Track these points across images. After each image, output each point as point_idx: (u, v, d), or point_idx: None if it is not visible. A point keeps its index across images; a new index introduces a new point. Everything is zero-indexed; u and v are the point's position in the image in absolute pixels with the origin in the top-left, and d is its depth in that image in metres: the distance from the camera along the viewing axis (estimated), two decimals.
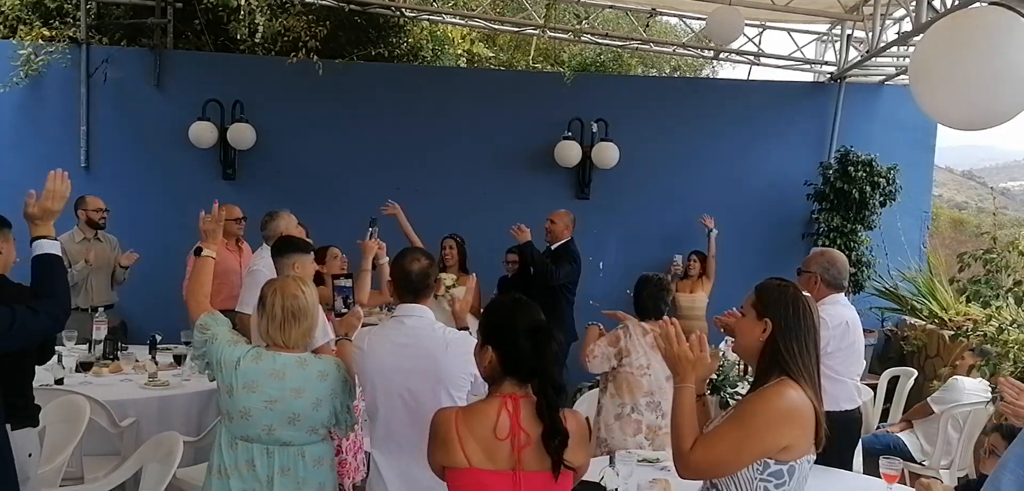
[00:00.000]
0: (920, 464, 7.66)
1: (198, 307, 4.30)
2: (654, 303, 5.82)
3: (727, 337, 7.70)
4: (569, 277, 8.88)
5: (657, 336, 3.42)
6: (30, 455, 4.52)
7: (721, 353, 7.73)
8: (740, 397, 6.66)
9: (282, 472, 4.00)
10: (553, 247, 9.11)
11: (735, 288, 8.57)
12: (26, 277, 4.23)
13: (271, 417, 3.96)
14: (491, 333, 3.38)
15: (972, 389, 7.71)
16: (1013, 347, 7.26)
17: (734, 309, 4.54)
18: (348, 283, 5.32)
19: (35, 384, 4.73)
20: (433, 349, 4.06)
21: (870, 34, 10.04)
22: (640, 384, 5.63)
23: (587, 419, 3.60)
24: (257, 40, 11.11)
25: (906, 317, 11.05)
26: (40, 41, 11.10)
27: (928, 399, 7.74)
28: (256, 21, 10.75)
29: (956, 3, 7.91)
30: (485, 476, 3.20)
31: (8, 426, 4.28)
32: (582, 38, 12.58)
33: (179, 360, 7.04)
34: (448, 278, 8.66)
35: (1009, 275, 7.46)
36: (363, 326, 4.65)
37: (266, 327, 4.07)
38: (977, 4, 7.20)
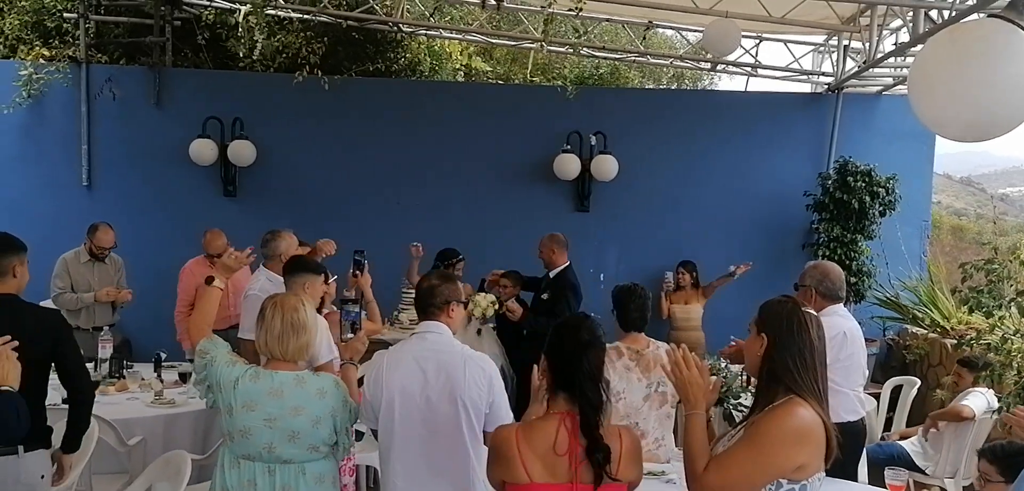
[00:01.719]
0: (923, 472, 7.68)
1: (198, 334, 4.38)
2: (641, 314, 5.71)
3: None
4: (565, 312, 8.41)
5: (666, 365, 3.45)
6: (42, 476, 4.55)
7: (722, 367, 7.73)
8: (744, 408, 6.69)
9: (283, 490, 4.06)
10: (552, 275, 8.88)
11: (735, 299, 8.61)
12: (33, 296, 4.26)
13: (271, 435, 4.02)
14: (547, 346, 3.55)
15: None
16: (1016, 357, 7.26)
17: (733, 339, 4.59)
18: (356, 308, 5.35)
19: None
20: (451, 364, 4.12)
21: (867, 45, 10.06)
22: (616, 409, 5.54)
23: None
24: (255, 57, 11.12)
25: (908, 326, 11.07)
26: (40, 61, 11.15)
27: (961, 403, 7.50)
28: (255, 38, 10.76)
29: (953, 14, 7.93)
30: (546, 490, 3.31)
31: (21, 448, 4.33)
32: (580, 51, 12.59)
33: (184, 378, 7.06)
34: (483, 301, 8.51)
35: (1011, 285, 7.46)
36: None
37: (264, 339, 4.14)
38: (975, 16, 7.24)
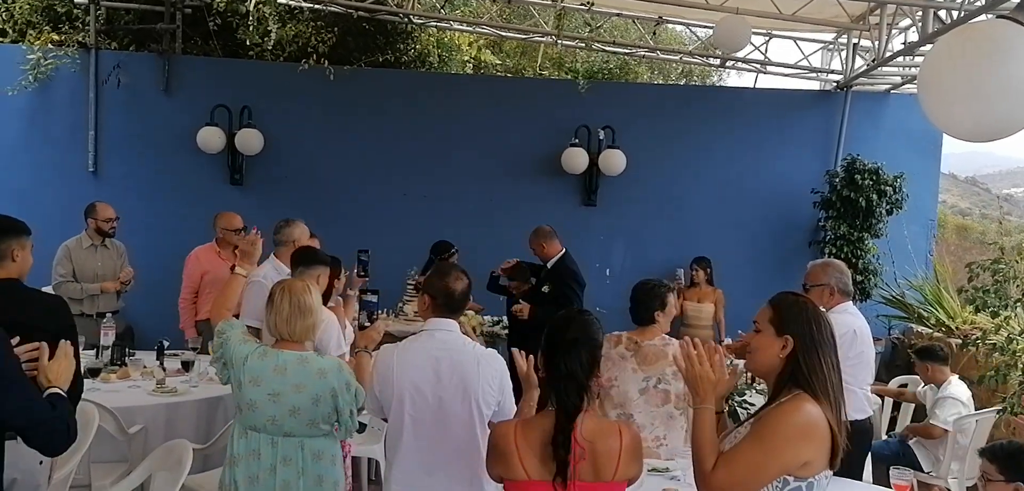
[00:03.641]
0: (928, 472, 7.67)
1: (218, 317, 4.75)
2: (644, 307, 5.70)
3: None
4: (570, 301, 8.29)
5: (677, 356, 3.41)
6: (41, 462, 4.49)
7: (729, 363, 7.71)
8: (749, 406, 6.68)
9: (284, 462, 4.29)
10: (549, 265, 8.72)
11: (742, 295, 8.57)
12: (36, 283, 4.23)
13: (274, 409, 4.26)
14: (542, 342, 3.55)
15: (967, 397, 7.78)
16: (1021, 357, 7.26)
17: (741, 333, 4.56)
18: (375, 298, 5.40)
19: None
20: (465, 363, 4.11)
21: (876, 43, 10.06)
22: (609, 396, 5.55)
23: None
24: (271, 46, 11.13)
25: (913, 325, 11.04)
26: (49, 46, 11.16)
27: (931, 421, 7.71)
28: (269, 28, 10.77)
29: (962, 15, 7.91)
30: (542, 487, 3.31)
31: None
32: (592, 46, 12.59)
33: (187, 366, 7.00)
34: (466, 322, 8.48)
35: (1018, 286, 7.45)
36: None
37: (274, 321, 4.38)
38: (984, 17, 7.22)
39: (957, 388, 7.83)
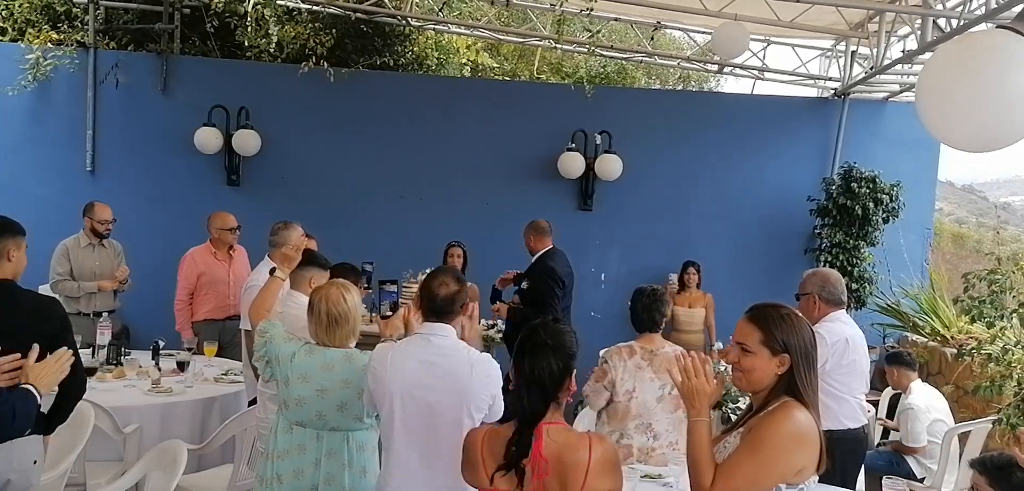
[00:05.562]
0: (921, 481, 7.67)
1: (258, 317, 4.96)
2: (648, 315, 5.71)
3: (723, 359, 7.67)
4: (549, 299, 8.31)
5: (673, 369, 3.39)
6: (35, 462, 4.47)
7: (722, 370, 7.70)
8: (742, 410, 6.68)
9: (329, 455, 4.49)
10: (532, 260, 8.68)
11: (737, 302, 8.55)
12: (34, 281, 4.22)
13: (321, 404, 4.46)
14: (515, 350, 3.51)
15: (932, 403, 7.86)
16: (1016, 368, 7.26)
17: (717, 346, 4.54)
18: (393, 288, 5.48)
19: None
20: (458, 369, 4.07)
21: (875, 51, 10.07)
22: (628, 409, 5.55)
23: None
24: (271, 49, 11.13)
25: (908, 334, 11.04)
26: (48, 45, 11.16)
27: (910, 443, 7.77)
28: (270, 30, 10.77)
29: (961, 24, 7.92)
30: None
31: None
32: (588, 50, 12.59)
33: (182, 367, 7.02)
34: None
35: (1014, 296, 7.45)
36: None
37: (314, 329, 4.57)
38: (983, 26, 7.23)
39: (915, 397, 7.94)
